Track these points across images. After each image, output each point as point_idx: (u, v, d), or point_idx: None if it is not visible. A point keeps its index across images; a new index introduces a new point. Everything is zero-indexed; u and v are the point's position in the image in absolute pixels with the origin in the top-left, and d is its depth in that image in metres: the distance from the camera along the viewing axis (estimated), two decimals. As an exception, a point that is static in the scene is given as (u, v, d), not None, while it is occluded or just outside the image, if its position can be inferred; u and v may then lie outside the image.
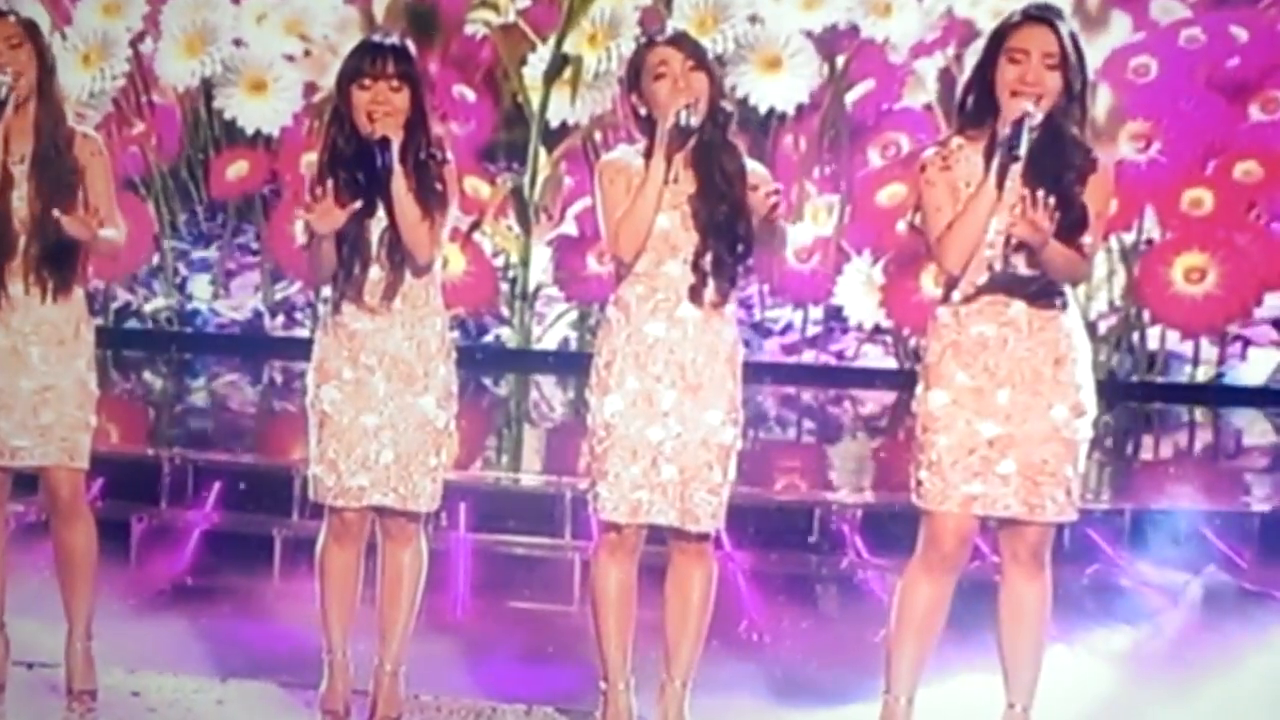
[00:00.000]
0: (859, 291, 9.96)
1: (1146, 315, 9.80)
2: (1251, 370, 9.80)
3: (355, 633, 5.25)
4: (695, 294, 4.96)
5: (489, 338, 10.21)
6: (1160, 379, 9.80)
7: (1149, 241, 9.75)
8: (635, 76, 4.99)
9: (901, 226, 9.05)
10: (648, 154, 4.93)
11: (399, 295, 5.07)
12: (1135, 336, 9.86)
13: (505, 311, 10.19)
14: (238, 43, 10.40)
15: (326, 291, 5.22)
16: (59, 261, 5.20)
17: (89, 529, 5.38)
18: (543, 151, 10.08)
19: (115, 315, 10.39)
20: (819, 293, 10.04)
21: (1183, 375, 9.79)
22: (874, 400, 9.69)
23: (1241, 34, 9.96)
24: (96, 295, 9.40)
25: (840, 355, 10.13)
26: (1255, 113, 9.89)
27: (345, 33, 9.89)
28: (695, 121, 4.87)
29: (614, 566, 5.07)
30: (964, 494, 4.80)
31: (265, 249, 10.44)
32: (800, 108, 10.07)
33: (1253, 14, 10.09)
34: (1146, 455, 9.20)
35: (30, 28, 5.23)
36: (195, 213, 10.66)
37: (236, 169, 10.45)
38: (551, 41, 10.01)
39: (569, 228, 9.98)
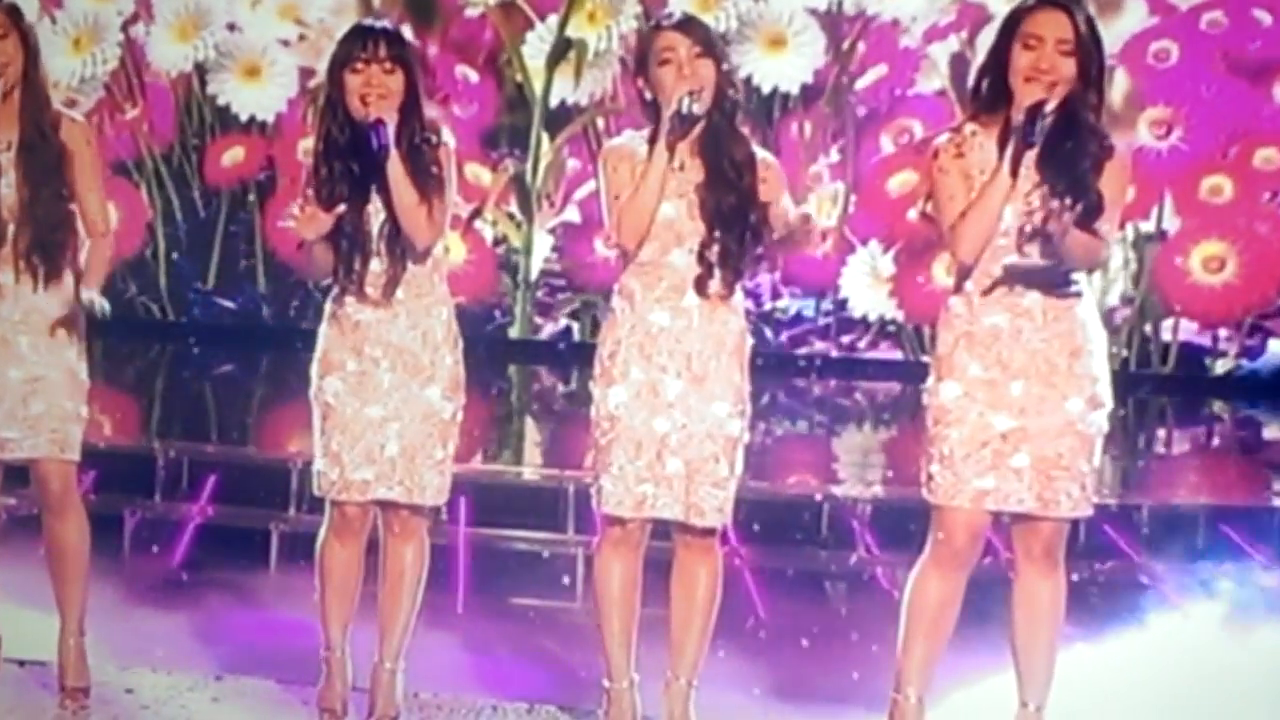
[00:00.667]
0: (863, 283, 9.89)
1: (1163, 305, 9.73)
2: (1272, 361, 9.74)
3: (353, 629, 5.21)
4: (701, 285, 4.91)
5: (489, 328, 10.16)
6: (1177, 371, 9.74)
7: (1162, 234, 9.68)
8: (642, 61, 4.95)
9: (913, 215, 8.99)
10: (652, 140, 4.88)
11: (401, 286, 5.04)
12: (1150, 327, 9.79)
13: (507, 300, 10.14)
14: (231, 27, 10.38)
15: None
16: (48, 248, 5.18)
17: (81, 523, 5.34)
18: (545, 136, 10.01)
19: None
20: (826, 282, 9.98)
21: (1201, 367, 9.72)
22: (884, 392, 9.64)
23: (1265, 17, 9.94)
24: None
25: (852, 347, 10.05)
26: (1278, 97, 9.83)
27: (341, 16, 9.84)
28: (699, 110, 4.83)
29: (617, 561, 5.01)
30: (976, 488, 4.75)
31: (262, 237, 10.38)
32: (805, 88, 9.98)
33: (1276, -4, 10.08)
34: (1163, 449, 9.17)
35: (13, 13, 5.20)
36: (190, 199, 10.58)
37: (232, 155, 10.42)
38: (552, 22, 9.94)
39: (572, 214, 9.91)
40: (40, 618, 5.48)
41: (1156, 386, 9.60)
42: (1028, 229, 4.68)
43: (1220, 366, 9.75)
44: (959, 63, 9.74)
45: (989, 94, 4.76)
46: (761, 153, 4.97)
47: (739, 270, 4.93)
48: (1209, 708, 5.51)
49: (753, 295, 10.01)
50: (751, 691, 5.62)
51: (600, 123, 10.05)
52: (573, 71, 9.96)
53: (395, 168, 4.93)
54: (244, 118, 10.35)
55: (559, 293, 10.22)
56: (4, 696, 5.33)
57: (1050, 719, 4.90)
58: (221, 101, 10.35)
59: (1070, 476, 4.75)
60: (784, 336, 10.13)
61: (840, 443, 9.09)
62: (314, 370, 5.14)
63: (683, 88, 4.80)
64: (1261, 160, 9.65)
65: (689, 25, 4.93)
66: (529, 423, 9.37)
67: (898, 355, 10.02)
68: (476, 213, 9.90)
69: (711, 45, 4.89)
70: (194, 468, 7.20)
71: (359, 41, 4.99)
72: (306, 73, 10.21)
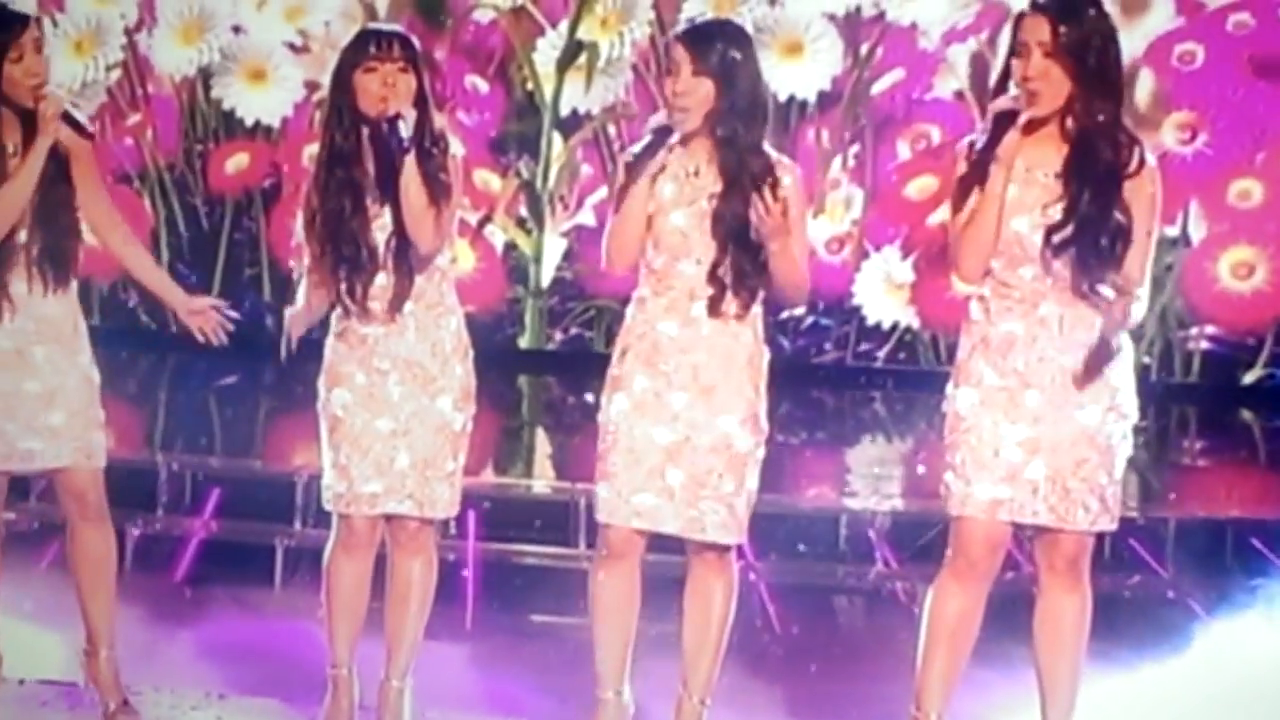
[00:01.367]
0: (878, 290, 9.81)
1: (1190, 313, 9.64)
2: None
3: (360, 646, 5.18)
4: (714, 306, 4.85)
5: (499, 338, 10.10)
6: (1204, 380, 9.65)
7: (1187, 240, 9.60)
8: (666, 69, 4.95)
9: (934, 220, 8.94)
10: (670, 147, 4.83)
11: (409, 299, 5.02)
12: (1177, 335, 9.70)
13: (517, 309, 10.08)
14: (237, 30, 10.32)
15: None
16: (57, 254, 5.18)
17: (110, 531, 5.30)
18: (557, 139, 9.95)
19: (106, 312, 10.24)
20: (842, 290, 9.90)
21: (1229, 376, 9.62)
22: (902, 401, 9.59)
23: (1293, 18, 9.85)
24: (90, 292, 9.30)
25: (870, 355, 9.97)
26: (1307, 101, 9.79)
27: (347, 20, 9.78)
28: (679, 129, 4.75)
29: (609, 572, 4.96)
30: (989, 499, 4.71)
31: (267, 246, 10.31)
32: (822, 95, 9.90)
33: (1305, -3, 10.03)
34: (1189, 461, 9.12)
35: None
36: (193, 207, 10.51)
37: (236, 162, 10.36)
38: (563, 27, 9.89)
39: (586, 217, 9.85)
40: (42, 635, 5.48)
41: (1182, 396, 9.52)
42: (1055, 240, 4.61)
43: (1249, 376, 9.65)
44: (978, 63, 9.67)
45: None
46: (782, 165, 4.85)
47: (754, 290, 4.86)
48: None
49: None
50: (766, 710, 5.59)
51: (611, 129, 9.99)
52: (583, 78, 9.91)
53: (410, 166, 4.90)
54: (249, 122, 10.29)
55: (570, 301, 10.17)
56: (6, 716, 5.29)
57: (1075, 739, 4.85)
58: (227, 106, 10.30)
59: (1088, 489, 4.69)
60: (799, 344, 10.06)
61: (856, 454, 9.02)
62: (321, 383, 5.13)
63: (671, 104, 4.77)
64: (1291, 164, 9.60)
65: (687, 38, 4.84)
66: (539, 434, 9.33)
67: (912, 364, 9.94)
68: (486, 219, 9.85)
69: (708, 61, 4.77)
70: (197, 481, 7.17)
71: (372, 42, 5.01)
72: (314, 80, 10.15)
